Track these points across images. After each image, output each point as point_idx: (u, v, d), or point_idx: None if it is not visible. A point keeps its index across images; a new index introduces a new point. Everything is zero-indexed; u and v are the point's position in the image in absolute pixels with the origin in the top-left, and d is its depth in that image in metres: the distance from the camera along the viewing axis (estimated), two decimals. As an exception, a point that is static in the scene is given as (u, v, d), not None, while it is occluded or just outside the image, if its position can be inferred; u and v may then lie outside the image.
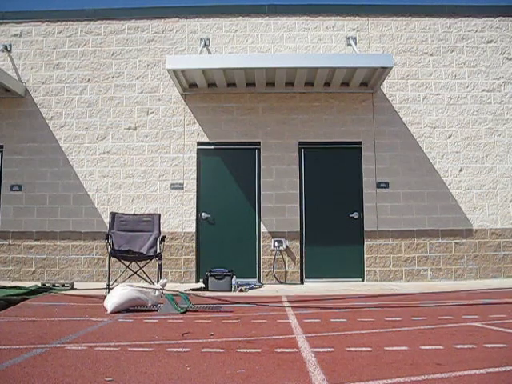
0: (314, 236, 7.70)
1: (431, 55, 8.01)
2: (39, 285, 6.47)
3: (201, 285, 6.79)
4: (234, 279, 6.38)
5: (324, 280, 7.50)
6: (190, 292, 5.72)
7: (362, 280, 7.60)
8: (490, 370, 2.06)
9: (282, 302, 4.92)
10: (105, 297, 4.47)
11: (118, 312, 4.01)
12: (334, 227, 7.69)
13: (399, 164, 7.79)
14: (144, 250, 5.92)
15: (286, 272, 7.60)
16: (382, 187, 7.74)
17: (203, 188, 7.83)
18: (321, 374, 2.01)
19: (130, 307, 4.15)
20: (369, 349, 2.51)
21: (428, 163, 7.77)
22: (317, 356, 2.34)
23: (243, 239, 7.72)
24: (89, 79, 8.04)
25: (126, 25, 8.13)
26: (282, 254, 7.63)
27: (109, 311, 4.02)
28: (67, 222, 7.74)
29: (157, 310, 4.13)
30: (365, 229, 7.66)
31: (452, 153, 7.80)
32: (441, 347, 2.53)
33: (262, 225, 7.70)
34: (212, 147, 7.89)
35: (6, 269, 7.64)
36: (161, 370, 2.08)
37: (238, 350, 2.50)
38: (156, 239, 5.99)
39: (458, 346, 2.55)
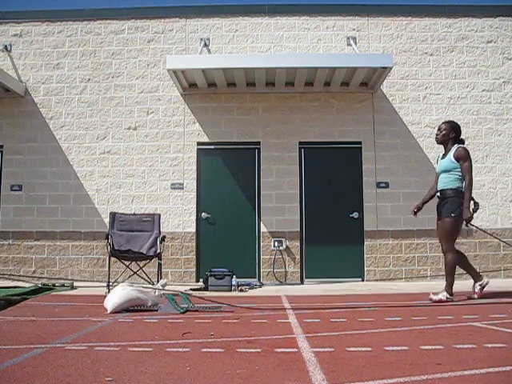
0: (314, 236, 7.70)
1: (431, 55, 8.01)
2: (39, 285, 6.47)
3: (201, 285, 6.79)
4: (234, 279, 6.37)
5: (324, 280, 7.50)
6: (190, 292, 5.72)
7: (362, 280, 7.60)
8: (490, 369, 2.05)
9: (281, 301, 4.92)
10: (105, 297, 4.47)
11: (118, 312, 4.01)
12: (334, 227, 7.69)
13: (399, 164, 7.79)
14: (144, 250, 5.91)
15: (285, 272, 7.60)
16: (381, 187, 7.74)
17: (203, 188, 7.83)
18: (321, 373, 2.01)
19: (130, 307, 4.14)
20: (369, 349, 2.51)
21: (428, 163, 7.77)
22: (317, 356, 2.34)
23: (243, 239, 7.72)
24: (89, 79, 8.04)
25: (126, 25, 8.13)
26: (281, 254, 7.63)
27: (109, 311, 4.02)
28: (67, 222, 7.74)
29: (157, 310, 4.12)
30: (365, 229, 7.66)
31: (452, 153, 7.79)
32: (441, 347, 2.53)
33: (262, 225, 7.70)
34: (212, 147, 7.89)
35: (6, 268, 7.64)
36: (161, 370, 2.08)
37: (238, 350, 2.50)
38: (156, 239, 5.98)
39: (458, 346, 2.55)
